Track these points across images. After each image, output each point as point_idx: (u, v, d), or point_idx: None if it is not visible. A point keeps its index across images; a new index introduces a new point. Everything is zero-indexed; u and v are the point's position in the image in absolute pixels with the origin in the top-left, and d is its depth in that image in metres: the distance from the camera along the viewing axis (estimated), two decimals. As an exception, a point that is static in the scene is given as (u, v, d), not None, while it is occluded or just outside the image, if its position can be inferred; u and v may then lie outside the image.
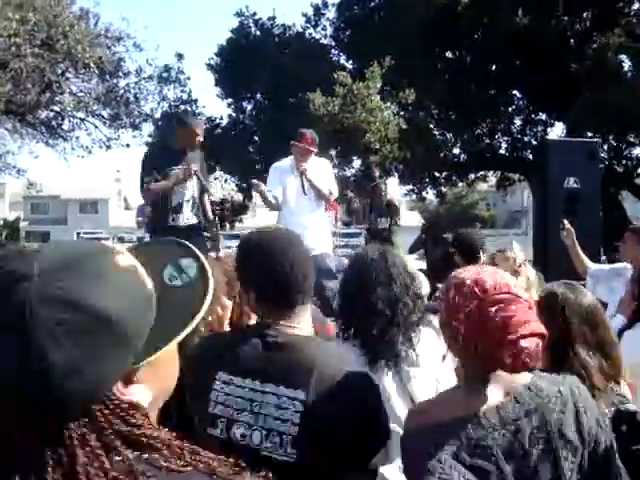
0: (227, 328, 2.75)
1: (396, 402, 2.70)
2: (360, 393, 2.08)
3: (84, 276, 0.98)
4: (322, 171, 7.40)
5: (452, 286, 2.02)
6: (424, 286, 4.70)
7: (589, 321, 2.61)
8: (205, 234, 7.07)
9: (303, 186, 7.16)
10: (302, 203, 7.21)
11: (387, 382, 2.71)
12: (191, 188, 6.82)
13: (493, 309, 1.91)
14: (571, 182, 9.42)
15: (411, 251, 14.88)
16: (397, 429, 2.29)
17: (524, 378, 2.01)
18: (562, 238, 6.30)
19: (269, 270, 2.18)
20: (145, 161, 6.95)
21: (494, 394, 1.98)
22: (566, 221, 6.34)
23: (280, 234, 2.30)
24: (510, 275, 2.10)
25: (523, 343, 1.87)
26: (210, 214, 7.16)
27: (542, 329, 1.93)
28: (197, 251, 1.15)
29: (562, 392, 2.01)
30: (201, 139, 6.79)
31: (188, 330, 1.05)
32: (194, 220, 6.84)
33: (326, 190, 7.25)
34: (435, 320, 4.97)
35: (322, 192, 7.21)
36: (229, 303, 2.77)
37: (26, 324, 0.92)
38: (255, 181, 7.40)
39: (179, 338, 1.05)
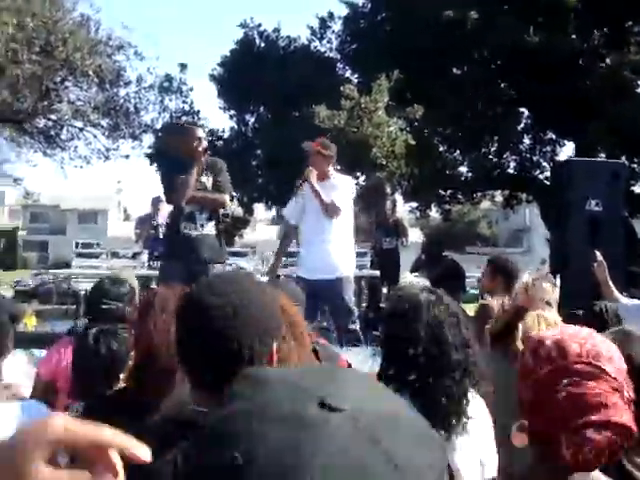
0: None
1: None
2: None
3: None
4: (340, 186, 6.85)
5: (529, 343, 1.63)
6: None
7: None
8: (215, 256, 6.61)
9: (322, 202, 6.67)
10: (322, 222, 6.72)
11: None
12: None
13: (565, 381, 1.45)
14: (593, 204, 8.96)
15: (412, 271, 14.47)
16: None
17: None
18: (593, 271, 5.81)
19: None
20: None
21: None
22: (598, 253, 5.84)
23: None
24: (609, 343, 1.59)
25: (589, 434, 1.39)
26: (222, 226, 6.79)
27: (625, 420, 1.42)
28: None
29: None
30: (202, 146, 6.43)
31: None
32: (210, 231, 6.43)
33: (328, 199, 6.61)
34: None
35: (322, 199, 6.58)
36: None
37: None
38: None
39: None
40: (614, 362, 1.51)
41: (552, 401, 1.45)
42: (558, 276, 8.68)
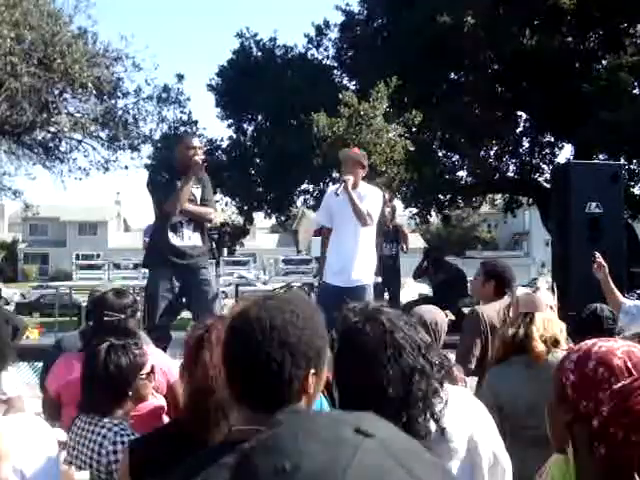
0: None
1: None
2: None
3: None
4: (369, 196, 6.79)
5: (591, 354, 1.59)
6: (443, 330, 4.20)
7: None
8: (203, 261, 6.70)
9: (343, 211, 6.69)
10: (352, 230, 6.72)
11: None
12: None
13: None
14: (593, 207, 8.97)
15: (415, 277, 14.46)
16: None
17: None
18: (593, 272, 5.81)
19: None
20: (152, 181, 6.94)
21: None
22: (598, 254, 5.84)
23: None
24: None
25: None
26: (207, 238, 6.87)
27: None
28: None
29: None
30: (198, 157, 6.46)
31: None
32: (198, 242, 6.57)
33: (364, 209, 6.60)
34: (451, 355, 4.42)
35: (359, 208, 6.55)
36: None
37: None
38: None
39: None
40: None
41: (633, 414, 1.41)
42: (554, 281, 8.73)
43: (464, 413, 2.36)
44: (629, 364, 1.54)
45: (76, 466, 2.61)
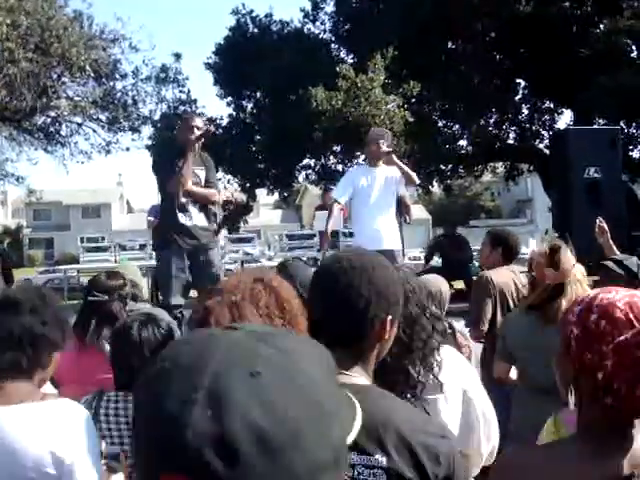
0: None
1: None
2: (445, 451, 1.69)
3: None
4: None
5: (593, 308, 1.60)
6: (447, 299, 4.30)
7: None
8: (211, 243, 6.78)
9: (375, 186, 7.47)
10: (378, 202, 7.51)
11: None
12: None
13: None
14: (592, 172, 9.05)
15: (428, 256, 14.58)
16: None
17: None
18: (596, 237, 5.89)
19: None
20: (155, 162, 6.98)
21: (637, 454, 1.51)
22: (600, 219, 5.91)
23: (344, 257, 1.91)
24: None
25: None
26: (217, 218, 6.97)
27: None
28: None
29: None
30: (198, 132, 6.58)
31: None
32: (204, 222, 6.67)
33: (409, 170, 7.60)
34: (456, 323, 4.54)
35: (405, 169, 7.46)
36: None
37: None
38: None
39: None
40: None
41: None
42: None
43: (458, 371, 2.50)
44: (631, 316, 1.55)
45: (106, 443, 2.65)
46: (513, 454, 1.85)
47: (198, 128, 6.63)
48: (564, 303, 3.65)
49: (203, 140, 6.62)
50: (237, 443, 0.74)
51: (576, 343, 1.61)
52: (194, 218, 6.63)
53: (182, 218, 6.59)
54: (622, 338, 1.52)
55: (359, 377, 1.78)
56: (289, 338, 0.89)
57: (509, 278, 5.10)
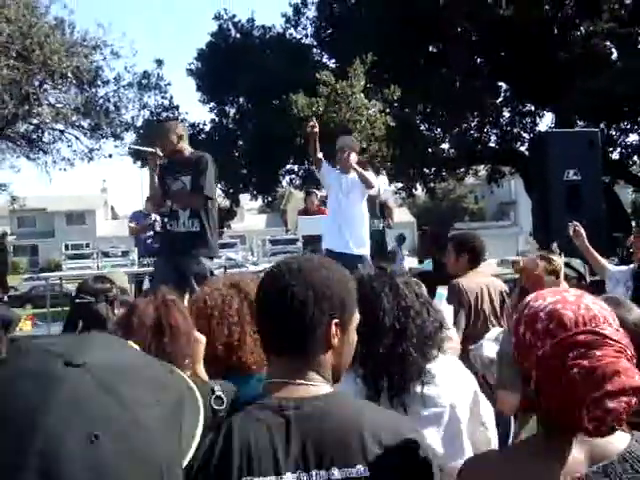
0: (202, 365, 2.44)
1: None
2: (417, 455, 1.66)
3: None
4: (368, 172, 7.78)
5: (522, 318, 1.58)
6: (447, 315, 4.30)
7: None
8: (202, 251, 6.73)
9: (343, 185, 7.48)
10: (346, 207, 7.47)
11: None
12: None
13: (571, 354, 1.46)
14: (571, 174, 9.12)
15: (421, 258, 14.61)
16: None
17: (619, 442, 1.53)
18: (573, 240, 5.95)
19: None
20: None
21: (576, 462, 1.50)
22: (575, 222, 5.97)
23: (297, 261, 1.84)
24: (600, 302, 1.60)
25: (609, 404, 1.41)
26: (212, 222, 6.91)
27: (638, 381, 1.44)
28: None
29: None
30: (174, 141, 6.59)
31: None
32: (193, 228, 6.61)
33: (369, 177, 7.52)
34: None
35: (364, 175, 7.37)
36: (202, 337, 2.45)
37: None
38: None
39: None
40: (610, 323, 1.53)
41: (563, 378, 1.45)
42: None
43: (452, 381, 2.42)
44: (551, 326, 1.51)
45: None
46: (472, 460, 1.84)
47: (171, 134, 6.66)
48: None
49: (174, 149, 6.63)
50: None
51: (515, 350, 1.59)
52: (180, 224, 6.60)
53: (170, 225, 6.63)
54: (540, 352, 1.50)
55: (318, 385, 1.71)
56: (130, 376, 0.86)
57: (482, 284, 5.08)
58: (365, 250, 7.49)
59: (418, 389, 2.32)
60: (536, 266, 4.01)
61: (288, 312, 1.70)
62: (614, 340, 1.48)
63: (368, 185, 7.38)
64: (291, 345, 1.72)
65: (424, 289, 3.68)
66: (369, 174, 7.74)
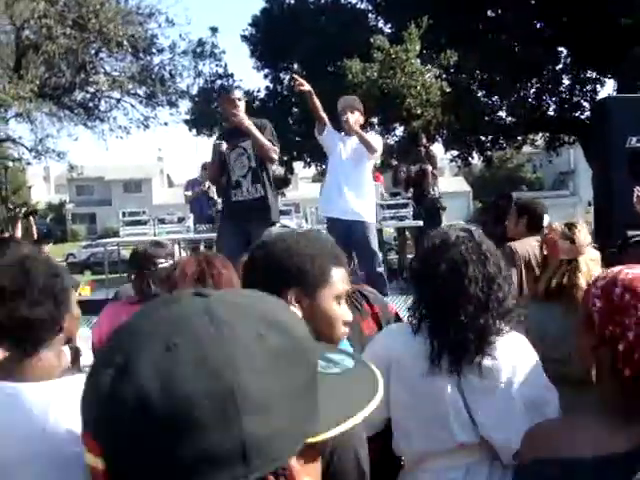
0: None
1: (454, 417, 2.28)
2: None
3: None
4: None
5: (617, 281, 1.59)
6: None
7: None
8: (266, 216, 6.73)
9: (343, 151, 7.24)
10: (344, 168, 7.22)
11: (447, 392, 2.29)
12: (246, 161, 6.72)
13: None
14: (634, 141, 8.84)
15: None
16: None
17: None
18: (635, 206, 5.78)
19: None
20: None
21: None
22: (639, 188, 5.80)
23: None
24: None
25: None
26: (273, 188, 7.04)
27: None
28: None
29: None
30: (237, 104, 6.61)
31: (365, 413, 0.86)
32: (257, 194, 6.70)
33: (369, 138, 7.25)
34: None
35: (365, 137, 7.11)
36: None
37: None
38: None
39: (357, 418, 0.85)
40: None
41: None
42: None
43: (513, 358, 2.36)
44: None
45: None
46: (538, 425, 1.84)
47: (237, 101, 6.65)
48: (582, 280, 3.50)
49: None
50: (122, 409, 0.73)
51: (599, 315, 1.59)
52: (245, 191, 6.72)
53: (234, 195, 6.73)
54: None
55: None
56: (239, 309, 0.84)
57: (535, 247, 4.99)
58: (369, 217, 7.26)
59: (477, 359, 2.28)
60: (551, 230, 3.91)
61: (251, 284, 1.89)
62: None
63: (370, 149, 7.07)
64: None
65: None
66: (372, 136, 7.56)
